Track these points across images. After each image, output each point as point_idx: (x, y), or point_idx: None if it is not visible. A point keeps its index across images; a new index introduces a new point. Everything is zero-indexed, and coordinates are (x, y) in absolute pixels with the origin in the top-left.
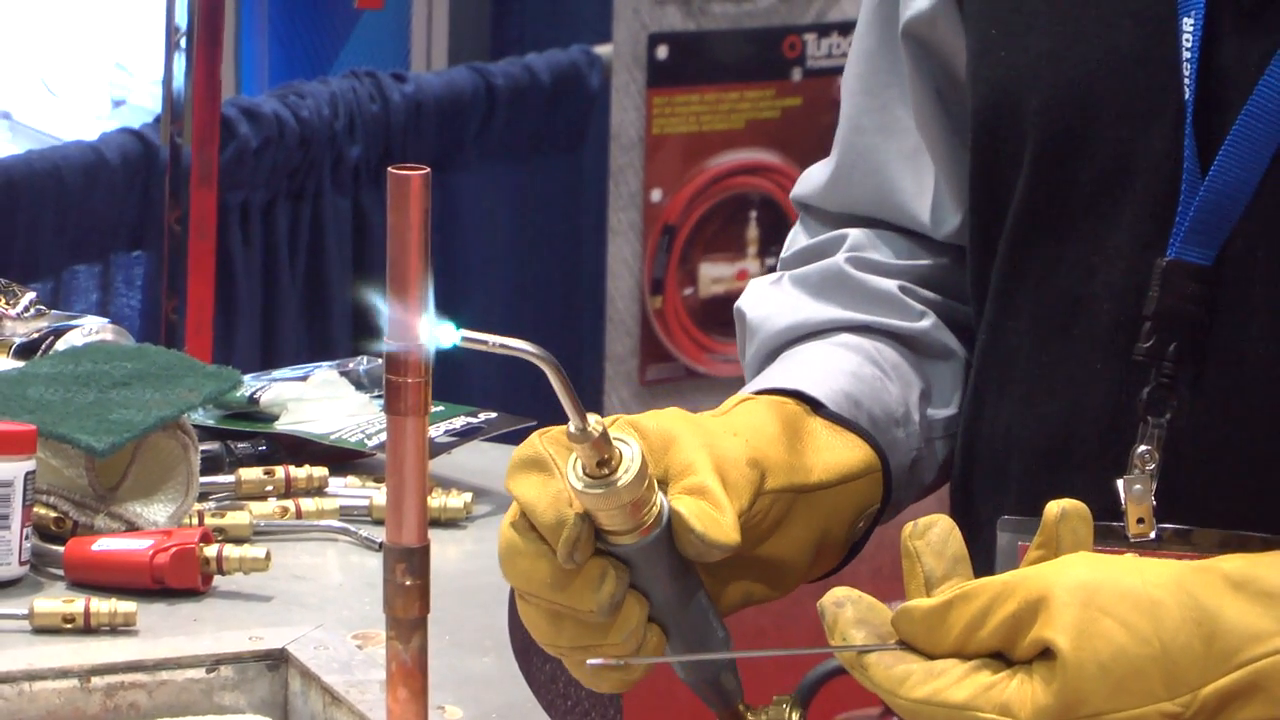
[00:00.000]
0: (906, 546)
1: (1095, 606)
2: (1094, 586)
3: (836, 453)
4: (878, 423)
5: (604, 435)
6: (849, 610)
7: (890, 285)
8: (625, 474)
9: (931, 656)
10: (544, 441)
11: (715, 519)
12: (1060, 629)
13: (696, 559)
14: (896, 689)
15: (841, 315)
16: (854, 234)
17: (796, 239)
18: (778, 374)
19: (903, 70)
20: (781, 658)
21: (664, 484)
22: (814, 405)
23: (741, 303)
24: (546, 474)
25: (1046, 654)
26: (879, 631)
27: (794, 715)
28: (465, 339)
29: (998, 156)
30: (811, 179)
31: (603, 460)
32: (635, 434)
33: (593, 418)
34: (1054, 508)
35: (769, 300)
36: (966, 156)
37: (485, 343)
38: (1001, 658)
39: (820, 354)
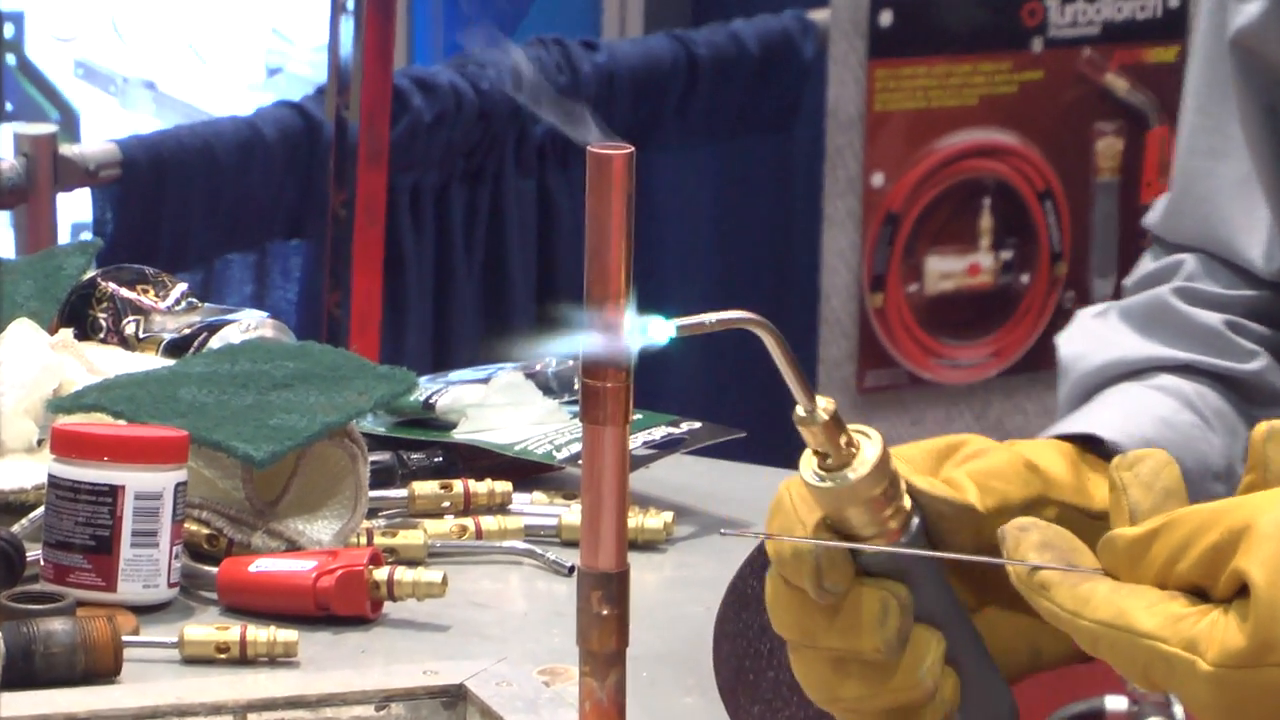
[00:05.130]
0: (1112, 478)
1: None
2: None
3: None
4: (1189, 475)
5: (834, 418)
6: (1033, 535)
7: (1217, 320)
8: (861, 466)
9: None
10: (785, 485)
11: (953, 481)
12: (1258, 562)
13: (939, 536)
14: (1081, 609)
15: (1161, 353)
16: (1190, 260)
17: (1143, 263)
18: (1077, 418)
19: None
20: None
21: None
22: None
23: (1058, 338)
24: (784, 514)
25: (1245, 591)
26: (1066, 558)
27: None
28: (681, 328)
29: None
30: (1157, 205)
31: (838, 452)
32: (903, 461)
33: (821, 400)
34: (1262, 428)
35: (1085, 336)
36: None
37: (704, 324)
38: (1205, 595)
39: (1130, 397)
